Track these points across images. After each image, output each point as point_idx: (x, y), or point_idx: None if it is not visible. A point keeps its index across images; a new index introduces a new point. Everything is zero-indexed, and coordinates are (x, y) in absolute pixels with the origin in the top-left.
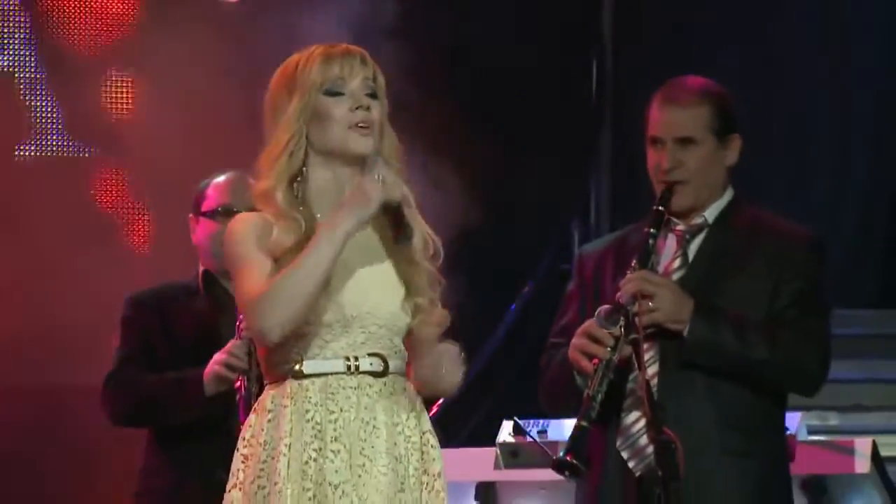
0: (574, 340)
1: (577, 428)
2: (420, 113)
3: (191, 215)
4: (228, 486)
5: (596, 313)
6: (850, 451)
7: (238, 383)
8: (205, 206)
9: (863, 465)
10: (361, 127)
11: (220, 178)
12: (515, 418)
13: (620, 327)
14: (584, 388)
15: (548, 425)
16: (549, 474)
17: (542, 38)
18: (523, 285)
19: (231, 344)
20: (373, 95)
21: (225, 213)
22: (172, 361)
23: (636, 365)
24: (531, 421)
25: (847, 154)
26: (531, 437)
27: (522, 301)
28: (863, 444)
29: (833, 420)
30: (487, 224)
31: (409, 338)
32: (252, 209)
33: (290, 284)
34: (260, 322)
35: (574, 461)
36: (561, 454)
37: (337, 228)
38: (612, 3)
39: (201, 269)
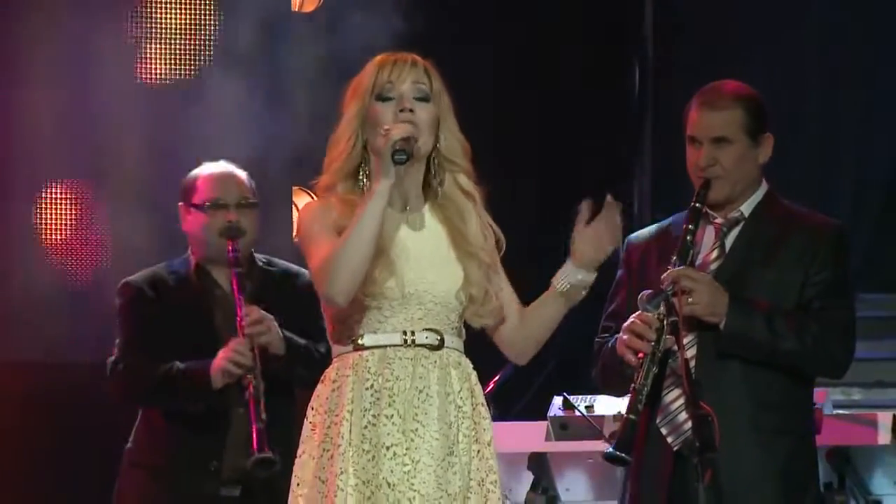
0: (621, 335)
1: (625, 422)
2: (470, 114)
3: (181, 203)
4: (298, 452)
5: (639, 298)
6: (872, 424)
7: (246, 381)
8: (195, 199)
9: (884, 437)
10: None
11: (211, 170)
12: (565, 394)
13: (660, 314)
14: (630, 375)
15: (594, 401)
16: (595, 445)
17: (586, 39)
18: None
19: (235, 342)
20: (423, 98)
21: (214, 206)
22: (170, 348)
23: (675, 346)
24: (579, 397)
25: (869, 147)
26: (579, 411)
27: None
28: (884, 418)
29: (856, 395)
30: (541, 218)
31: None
32: (239, 203)
33: (343, 250)
34: (326, 289)
35: (622, 454)
36: (611, 448)
37: (373, 193)
38: (653, 1)
39: (193, 260)
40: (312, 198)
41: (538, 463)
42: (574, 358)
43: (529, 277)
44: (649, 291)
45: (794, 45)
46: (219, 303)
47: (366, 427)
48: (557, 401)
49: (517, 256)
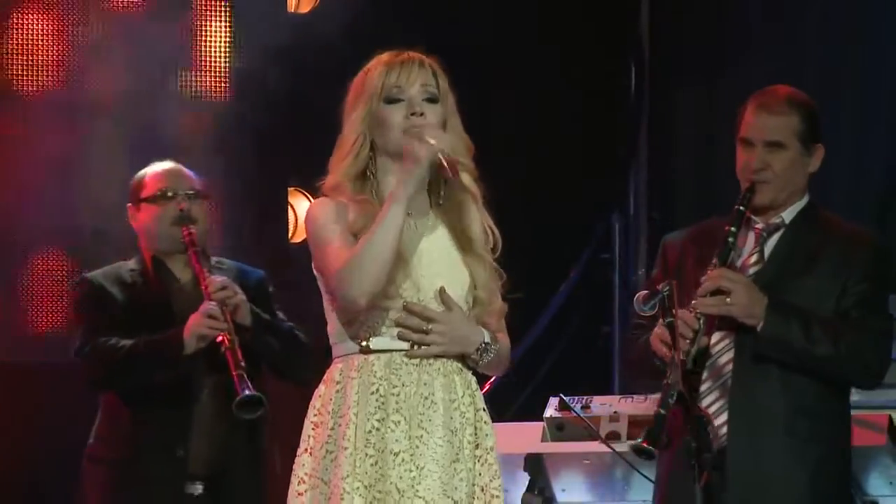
0: (657, 329)
1: (655, 415)
2: (466, 115)
3: (129, 205)
4: (299, 451)
5: (635, 298)
6: (868, 424)
7: (220, 338)
8: (144, 193)
9: (880, 437)
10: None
11: (158, 167)
12: (561, 395)
13: (699, 314)
14: (663, 371)
15: (591, 401)
16: (591, 446)
17: (583, 39)
18: (568, 273)
19: (204, 305)
20: (432, 100)
21: (164, 197)
22: (131, 339)
23: (672, 345)
24: (575, 398)
25: (869, 147)
26: (575, 412)
27: (567, 287)
28: (880, 419)
29: (853, 396)
30: (536, 217)
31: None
32: (188, 194)
33: (366, 252)
34: (348, 291)
35: (650, 447)
36: (639, 440)
37: (399, 195)
38: (650, 1)
39: (148, 254)
40: (309, 199)
41: (534, 464)
42: (570, 359)
43: (525, 277)
44: (645, 292)
45: (793, 45)
46: (177, 295)
47: (370, 431)
48: (553, 402)
49: (512, 256)
